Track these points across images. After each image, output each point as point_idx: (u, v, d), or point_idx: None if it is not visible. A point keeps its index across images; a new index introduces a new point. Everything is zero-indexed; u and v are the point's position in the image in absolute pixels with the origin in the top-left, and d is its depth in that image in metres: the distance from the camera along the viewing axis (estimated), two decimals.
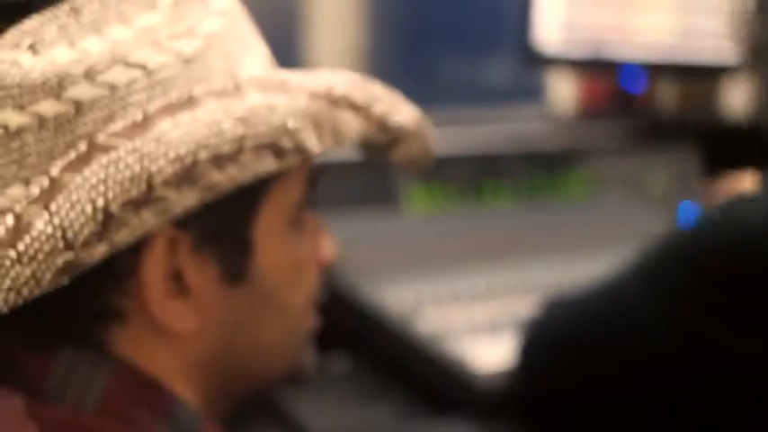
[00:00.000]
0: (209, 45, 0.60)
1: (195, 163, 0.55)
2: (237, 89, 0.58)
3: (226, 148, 0.56)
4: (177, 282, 0.60)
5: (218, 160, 0.56)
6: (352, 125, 0.60)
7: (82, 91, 0.56)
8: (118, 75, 0.57)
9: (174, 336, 0.61)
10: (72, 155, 0.56)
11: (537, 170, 1.51)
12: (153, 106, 0.57)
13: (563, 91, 1.94)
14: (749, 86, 1.70)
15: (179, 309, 0.60)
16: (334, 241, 0.73)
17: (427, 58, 2.47)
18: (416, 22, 2.48)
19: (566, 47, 1.64)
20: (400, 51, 2.45)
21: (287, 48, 2.26)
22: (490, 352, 1.06)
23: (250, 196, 0.60)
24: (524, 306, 1.16)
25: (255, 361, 0.66)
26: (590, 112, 1.82)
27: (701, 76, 1.78)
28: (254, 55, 0.64)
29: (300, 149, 0.58)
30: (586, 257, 1.32)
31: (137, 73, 0.57)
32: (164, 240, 0.59)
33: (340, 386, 1.14)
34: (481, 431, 1.02)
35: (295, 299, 0.67)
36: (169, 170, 0.55)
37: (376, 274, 1.21)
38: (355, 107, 0.60)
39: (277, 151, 0.57)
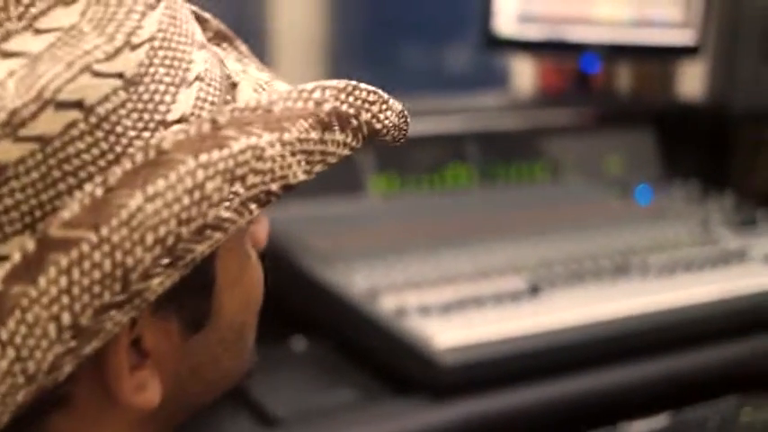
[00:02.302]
0: (154, 54, 0.48)
1: (177, 242, 0.45)
2: (215, 131, 0.47)
3: (211, 216, 0.46)
4: (134, 349, 0.51)
5: (204, 230, 0.46)
6: (340, 143, 0.51)
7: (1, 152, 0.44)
8: (48, 121, 0.44)
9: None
10: (17, 258, 0.44)
11: (497, 153, 1.53)
12: (113, 176, 0.45)
13: (524, 75, 1.96)
14: (704, 69, 1.73)
15: (139, 380, 0.51)
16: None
17: (389, 46, 2.48)
18: (378, 11, 2.49)
19: (524, 30, 1.66)
20: (362, 40, 2.46)
21: (254, 41, 2.26)
22: (450, 330, 1.07)
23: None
24: (485, 286, 1.18)
25: (207, 395, 0.59)
26: (549, 95, 1.84)
27: (658, 59, 1.80)
28: (201, 50, 0.52)
29: (286, 188, 0.49)
30: (546, 238, 1.34)
31: (73, 115, 0.45)
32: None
33: (302, 368, 1.16)
34: (442, 409, 1.04)
35: (249, 319, 0.60)
36: (148, 260, 0.45)
37: (338, 256, 1.23)
38: (343, 121, 0.51)
39: (262, 199, 0.48)
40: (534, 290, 1.18)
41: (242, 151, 0.47)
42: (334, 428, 1.03)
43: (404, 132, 0.56)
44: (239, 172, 0.46)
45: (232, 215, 0.46)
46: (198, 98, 0.50)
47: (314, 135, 0.49)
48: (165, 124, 0.48)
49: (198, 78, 0.50)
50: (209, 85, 0.51)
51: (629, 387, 1.14)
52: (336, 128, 0.50)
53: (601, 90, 1.82)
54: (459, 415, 1.05)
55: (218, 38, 0.64)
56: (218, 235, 0.46)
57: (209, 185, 0.46)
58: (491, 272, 1.22)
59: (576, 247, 1.31)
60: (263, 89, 0.58)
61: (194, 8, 0.62)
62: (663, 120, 1.67)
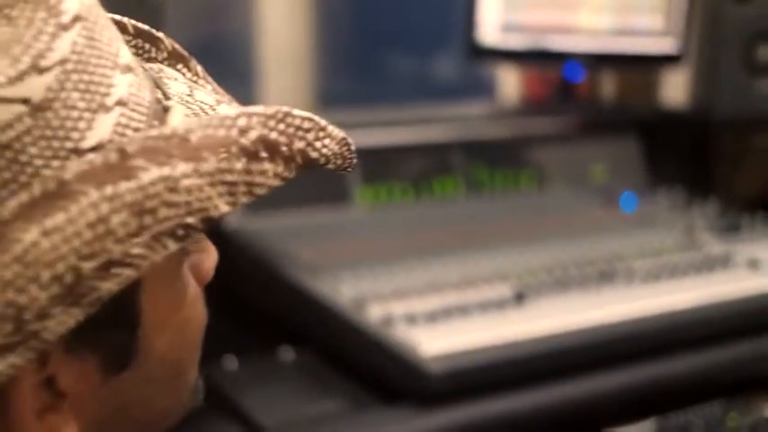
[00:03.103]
0: (66, 78, 0.45)
1: (78, 280, 0.42)
2: (123, 161, 0.44)
3: (117, 251, 0.43)
4: (47, 390, 0.48)
5: (109, 267, 0.43)
6: (270, 173, 0.47)
7: None
8: None
9: None
10: None
11: (482, 162, 1.54)
12: (7, 208, 0.42)
13: (509, 85, 1.97)
14: (687, 77, 1.74)
15: (53, 425, 0.48)
16: (214, 253, 0.61)
17: (376, 56, 2.49)
18: (364, 21, 2.49)
19: (508, 40, 1.68)
20: (348, 50, 2.46)
21: (239, 51, 2.27)
22: (436, 339, 1.08)
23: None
24: (471, 295, 1.18)
25: None
26: (534, 104, 1.85)
27: (641, 67, 1.82)
28: (126, 73, 0.49)
29: (207, 221, 0.45)
30: (532, 246, 1.35)
31: None
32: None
33: (289, 378, 1.16)
34: (429, 417, 1.05)
35: (186, 357, 0.56)
36: (43, 298, 0.42)
37: (325, 267, 1.23)
38: (272, 149, 0.47)
39: (178, 233, 0.44)
40: (520, 297, 1.19)
41: (152, 183, 0.44)
42: None
43: (349, 161, 0.53)
44: (149, 204, 0.43)
45: (143, 251, 0.43)
46: (118, 124, 0.47)
47: (237, 165, 0.46)
48: (79, 152, 0.45)
49: (119, 103, 0.47)
50: (132, 110, 0.48)
51: (615, 393, 1.15)
52: (265, 157, 0.47)
53: (585, 98, 1.84)
54: (445, 423, 1.05)
55: (172, 58, 0.62)
56: (127, 272, 0.43)
57: (115, 219, 0.43)
58: (477, 280, 1.23)
59: (561, 254, 1.32)
60: (203, 114, 0.55)
61: (147, 27, 0.61)
62: (647, 127, 1.69)
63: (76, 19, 0.46)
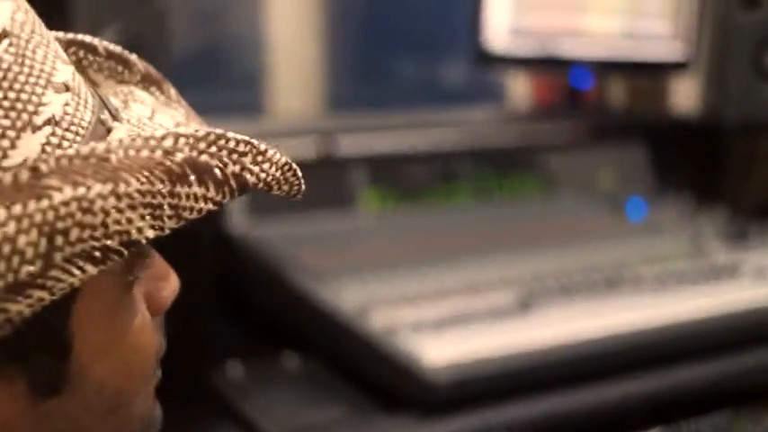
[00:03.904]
0: None
1: None
2: (35, 180, 0.42)
3: (24, 272, 0.42)
4: None
5: (16, 289, 0.42)
6: (199, 197, 0.46)
7: None
8: None
9: None
10: None
11: (489, 168, 1.53)
12: None
13: (518, 90, 1.97)
14: (696, 83, 1.73)
15: None
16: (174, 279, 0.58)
17: (385, 61, 2.48)
18: (373, 27, 2.49)
19: (515, 45, 1.67)
20: (357, 55, 2.46)
21: (246, 56, 2.27)
22: (440, 347, 1.07)
23: (61, 295, 0.45)
24: (476, 302, 1.18)
25: None
26: (542, 110, 1.85)
27: (650, 73, 1.81)
28: (62, 93, 0.48)
29: (129, 245, 0.44)
30: (538, 253, 1.35)
31: None
32: None
33: (292, 384, 1.16)
34: (432, 425, 1.04)
35: (129, 387, 0.53)
36: None
37: (329, 273, 1.23)
38: (201, 172, 0.46)
39: (97, 257, 0.43)
40: (525, 305, 1.18)
41: (65, 203, 0.42)
42: None
43: (296, 187, 0.51)
44: (60, 225, 0.42)
45: (55, 272, 0.42)
46: (48, 143, 0.45)
47: (161, 187, 0.45)
48: (3, 170, 0.44)
49: (50, 122, 0.46)
50: (66, 129, 0.47)
51: (621, 402, 1.14)
52: (193, 179, 0.46)
53: (593, 104, 1.83)
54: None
55: (145, 81, 0.61)
56: (39, 293, 0.42)
57: (22, 239, 0.41)
58: (482, 287, 1.22)
59: (567, 261, 1.32)
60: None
61: (119, 50, 0.60)
62: (655, 134, 1.68)
63: (3, 35, 0.45)
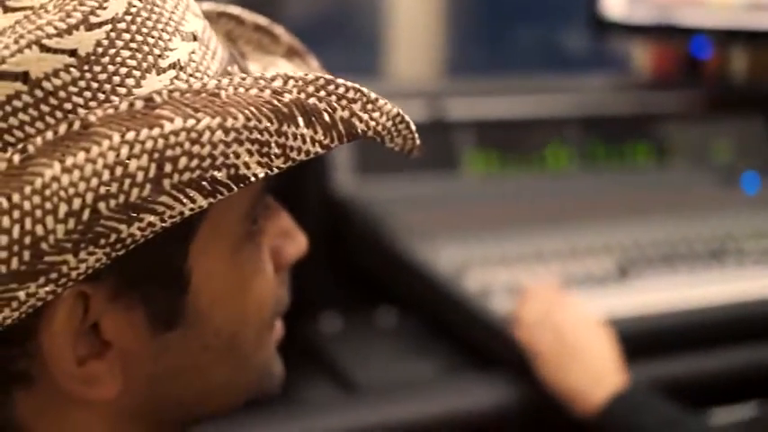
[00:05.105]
0: (117, 36, 0.46)
1: (95, 218, 0.43)
2: (149, 110, 0.45)
3: (135, 195, 0.43)
4: (92, 337, 0.49)
5: (127, 210, 0.44)
6: (307, 138, 0.47)
7: None
8: None
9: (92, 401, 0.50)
10: None
11: (601, 136, 1.52)
12: (33, 144, 0.44)
13: (640, 58, 1.94)
14: None
15: (95, 372, 0.49)
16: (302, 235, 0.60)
17: (507, 28, 2.47)
18: None
19: (633, 13, 1.64)
20: (478, 21, 2.46)
21: (367, 20, 2.29)
22: None
23: (179, 227, 0.46)
24: (574, 268, 1.18)
25: (202, 405, 0.56)
26: (660, 79, 1.82)
27: None
28: (190, 41, 0.50)
29: (237, 179, 0.45)
30: (643, 222, 1.33)
31: (17, 86, 0.44)
32: (68, 298, 0.47)
33: (387, 340, 1.18)
34: (521, 386, 1.05)
35: (246, 332, 0.55)
36: (60, 231, 0.43)
37: (429, 233, 1.24)
38: (308, 114, 0.47)
39: (205, 187, 0.45)
40: (624, 272, 1.18)
41: (174, 132, 0.44)
42: (414, 400, 1.05)
43: (409, 140, 0.51)
44: (170, 153, 0.44)
45: (165, 198, 0.44)
46: (171, 85, 0.47)
47: (267, 125, 0.45)
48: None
49: (174, 66, 0.48)
50: (191, 75, 0.49)
51: (716, 374, 1.13)
52: (300, 121, 0.46)
53: (713, 75, 1.79)
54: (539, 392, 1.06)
55: (290, 53, 0.63)
56: (150, 218, 0.44)
57: (134, 163, 0.43)
58: (582, 253, 1.22)
59: (672, 231, 1.30)
60: None
61: (266, 22, 0.63)
62: None
63: None
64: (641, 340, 1.10)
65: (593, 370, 1.00)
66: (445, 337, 1.15)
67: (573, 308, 1.07)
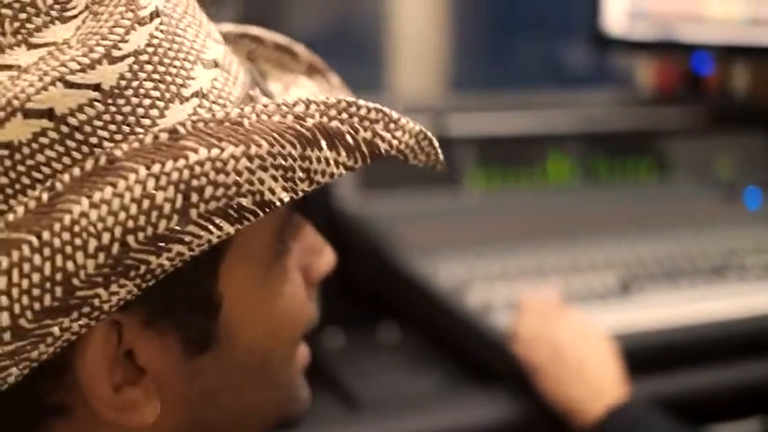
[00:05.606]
0: (139, 68, 0.47)
1: (125, 251, 0.44)
2: (173, 141, 0.45)
3: (163, 226, 0.44)
4: (127, 364, 0.50)
5: (156, 241, 0.44)
6: (331, 161, 0.47)
7: None
8: (16, 129, 0.44)
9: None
10: None
11: (602, 151, 1.52)
12: (61, 180, 0.44)
13: (643, 74, 1.94)
14: None
15: (131, 399, 0.50)
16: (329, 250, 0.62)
17: (509, 44, 2.48)
18: (497, 9, 2.49)
19: (634, 30, 1.65)
20: (481, 37, 2.47)
21: (370, 35, 2.30)
22: None
23: (207, 253, 0.47)
24: (576, 283, 1.18)
25: (237, 427, 0.57)
26: (661, 95, 1.82)
27: None
28: (211, 69, 0.51)
29: (263, 205, 0.46)
30: (645, 237, 1.34)
31: (43, 123, 0.45)
32: (102, 328, 0.47)
33: (389, 355, 1.18)
34: (522, 400, 1.05)
35: (278, 350, 0.56)
36: (91, 266, 0.44)
37: (431, 249, 1.25)
38: (331, 138, 0.47)
39: (232, 215, 0.45)
40: (626, 288, 1.18)
41: (199, 162, 0.45)
42: (415, 414, 1.05)
43: (433, 156, 0.52)
44: (195, 183, 0.44)
45: (192, 228, 0.45)
46: (194, 114, 0.48)
47: (291, 150, 0.46)
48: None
49: (197, 94, 0.49)
50: (213, 102, 0.50)
51: (719, 390, 1.13)
52: (324, 144, 0.47)
53: (715, 90, 1.79)
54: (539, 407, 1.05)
55: (310, 71, 0.64)
56: (178, 248, 0.45)
57: (160, 195, 0.44)
58: (584, 268, 1.22)
59: (673, 247, 1.30)
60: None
61: (286, 41, 0.64)
62: None
63: (156, 14, 0.48)
64: (643, 356, 1.10)
65: (591, 383, 1.00)
66: (447, 353, 1.15)
67: (570, 321, 1.07)
